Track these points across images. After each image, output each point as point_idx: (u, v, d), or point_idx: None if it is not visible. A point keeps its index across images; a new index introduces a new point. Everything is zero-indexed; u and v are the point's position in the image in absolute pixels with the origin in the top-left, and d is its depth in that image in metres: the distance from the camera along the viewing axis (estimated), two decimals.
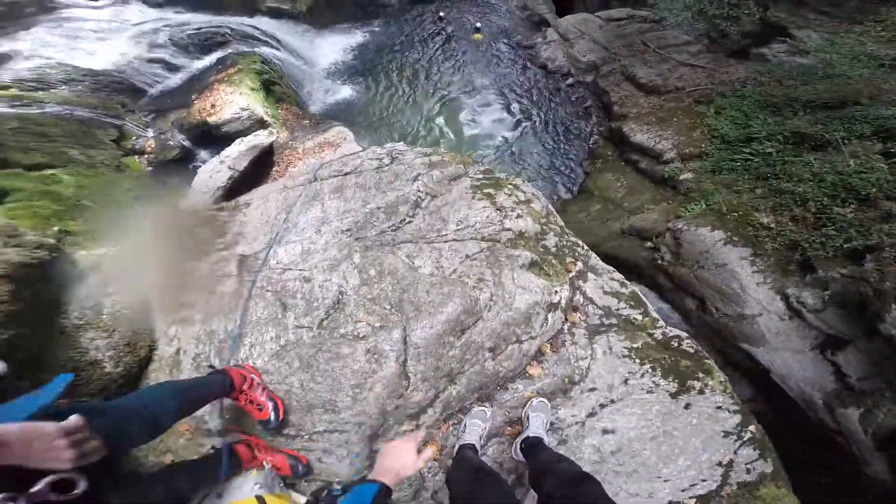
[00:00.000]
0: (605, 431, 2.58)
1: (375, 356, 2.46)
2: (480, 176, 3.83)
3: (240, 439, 2.31)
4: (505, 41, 12.51)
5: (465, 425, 2.48)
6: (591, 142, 9.98)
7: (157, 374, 2.79)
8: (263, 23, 11.47)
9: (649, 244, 6.84)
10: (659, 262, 6.54)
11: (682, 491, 2.44)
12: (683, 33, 11.05)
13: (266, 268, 3.01)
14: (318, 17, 12.96)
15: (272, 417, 2.27)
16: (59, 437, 1.12)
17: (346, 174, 4.10)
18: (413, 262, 2.83)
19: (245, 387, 2.25)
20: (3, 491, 1.06)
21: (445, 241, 3.07)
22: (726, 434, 2.57)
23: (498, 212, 3.34)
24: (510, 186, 3.71)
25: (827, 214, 5.88)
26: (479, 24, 12.92)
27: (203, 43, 10.17)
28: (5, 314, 2.28)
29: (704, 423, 2.57)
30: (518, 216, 3.34)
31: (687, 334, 3.08)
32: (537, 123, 10.42)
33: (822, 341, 5.20)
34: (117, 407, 1.51)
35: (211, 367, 2.37)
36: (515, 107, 10.72)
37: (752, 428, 2.61)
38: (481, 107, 10.65)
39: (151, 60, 9.53)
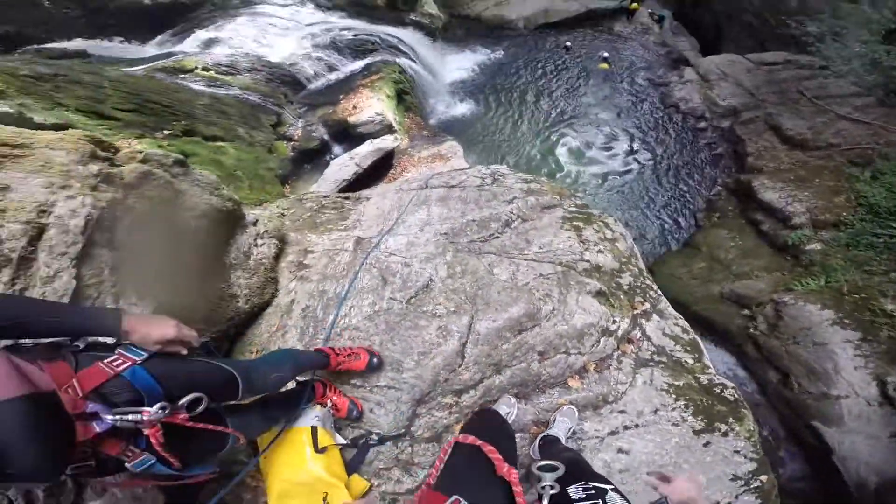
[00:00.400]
0: (619, 451, 2.91)
1: (444, 333, 3.04)
2: (574, 209, 4.35)
3: (319, 378, 2.84)
4: (635, 76, 12.72)
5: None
6: (712, 192, 9.78)
7: (271, 318, 3.45)
8: (407, 35, 13.26)
9: (746, 312, 6.71)
10: (751, 330, 6.44)
11: None
12: (851, 83, 10.33)
13: (377, 250, 3.93)
14: (452, 35, 14.72)
15: (370, 361, 2.95)
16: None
17: (451, 186, 5.01)
18: (493, 270, 3.37)
19: (341, 366, 2.84)
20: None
21: (525, 259, 3.57)
22: (735, 478, 2.79)
23: (581, 244, 3.81)
24: (600, 223, 4.17)
25: None
26: (605, 54, 13.34)
27: (357, 48, 12.02)
28: (197, 242, 3.07)
29: (717, 464, 2.82)
30: (599, 251, 3.80)
31: (733, 384, 3.28)
32: (655, 164, 10.45)
33: None
34: (256, 369, 2.03)
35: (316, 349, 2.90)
36: (634, 145, 10.84)
37: (763, 478, 2.80)
38: (595, 141, 10.96)
39: (315, 59, 11.48)
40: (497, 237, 3.96)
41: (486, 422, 2.15)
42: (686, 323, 3.70)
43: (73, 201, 2.28)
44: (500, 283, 3.40)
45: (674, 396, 3.10)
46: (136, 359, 1.46)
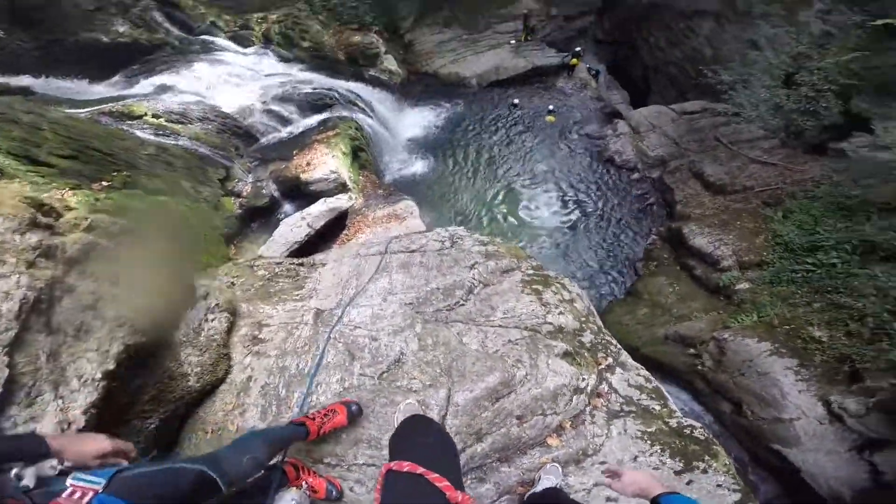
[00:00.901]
0: (608, 499, 2.98)
1: (423, 408, 3.02)
2: (531, 272, 4.55)
3: (288, 461, 2.63)
4: (576, 131, 13.63)
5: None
6: (648, 241, 10.43)
7: (225, 395, 3.29)
8: (365, 90, 13.58)
9: (692, 351, 7.15)
10: (699, 367, 6.86)
11: None
12: (759, 128, 11.34)
13: (340, 324, 3.94)
14: (409, 91, 15.22)
15: (350, 411, 2.86)
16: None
17: (412, 251, 5.12)
18: (462, 339, 3.44)
19: (322, 428, 2.70)
20: None
21: (492, 326, 3.67)
22: None
23: (543, 307, 3.99)
24: (558, 285, 4.39)
25: (885, 330, 6.04)
26: (551, 107, 14.31)
27: (314, 103, 12.04)
28: (145, 325, 2.86)
29: (703, 499, 2.97)
30: (560, 313, 3.99)
31: (700, 424, 3.45)
32: (596, 219, 11.07)
33: (860, 443, 5.41)
34: (225, 457, 1.88)
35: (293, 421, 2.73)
36: (576, 200, 11.49)
37: None
38: (542, 197, 11.55)
39: (270, 112, 11.37)
40: (462, 304, 4.08)
41: (418, 435, 1.74)
42: (647, 372, 3.93)
43: (7, 281, 2.12)
44: (472, 352, 3.47)
45: (649, 442, 3.27)
46: (97, 487, 1.34)
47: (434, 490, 1.33)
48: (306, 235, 8.40)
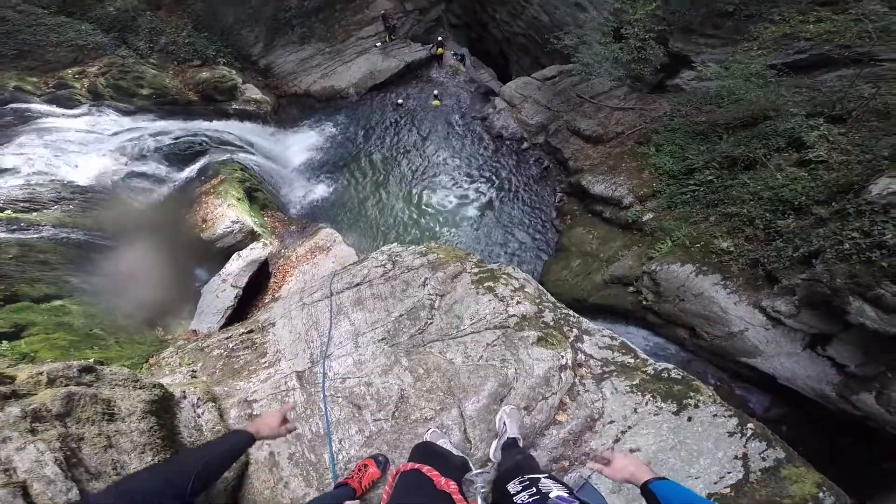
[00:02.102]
0: (632, 450, 3.19)
1: (444, 429, 3.17)
2: (476, 270, 4.64)
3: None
4: (461, 116, 13.83)
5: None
6: (556, 199, 10.98)
7: (259, 474, 3.33)
8: (235, 126, 12.42)
9: (632, 289, 7.64)
10: (644, 303, 7.32)
11: (715, 483, 2.96)
12: (608, 80, 12.38)
13: (328, 380, 3.75)
14: (285, 117, 14.21)
15: (379, 463, 3.00)
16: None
17: (358, 285, 4.89)
18: (446, 356, 3.60)
19: (362, 483, 2.86)
20: None
21: (466, 335, 3.84)
22: (730, 434, 3.19)
23: (501, 302, 4.12)
24: (504, 276, 4.51)
25: (773, 228, 6.89)
26: (436, 92, 14.38)
27: (183, 153, 10.78)
28: (161, 439, 2.97)
29: (708, 429, 3.22)
30: (517, 302, 4.14)
31: (673, 365, 3.80)
32: (505, 192, 11.38)
33: (809, 341, 5.96)
34: None
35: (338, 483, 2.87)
36: (481, 180, 11.69)
37: (750, 425, 3.22)
38: (451, 186, 11.57)
39: (137, 174, 9.96)
40: (431, 323, 3.99)
41: (421, 450, 2.34)
42: (610, 331, 4.20)
43: (27, 452, 2.15)
44: (463, 368, 3.50)
45: (640, 394, 3.53)
46: None
47: (426, 479, 1.67)
48: (235, 297, 7.56)
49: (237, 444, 1.91)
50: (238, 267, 8.13)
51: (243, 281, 7.97)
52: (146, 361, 6.03)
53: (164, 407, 3.37)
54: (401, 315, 4.23)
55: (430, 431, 3.16)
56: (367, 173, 12.09)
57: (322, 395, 3.61)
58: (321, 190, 11.78)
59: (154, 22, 13.27)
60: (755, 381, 6.46)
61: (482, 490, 1.62)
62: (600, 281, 8.12)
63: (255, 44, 15.13)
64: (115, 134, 10.71)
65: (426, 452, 2.28)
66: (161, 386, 3.49)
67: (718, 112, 9.52)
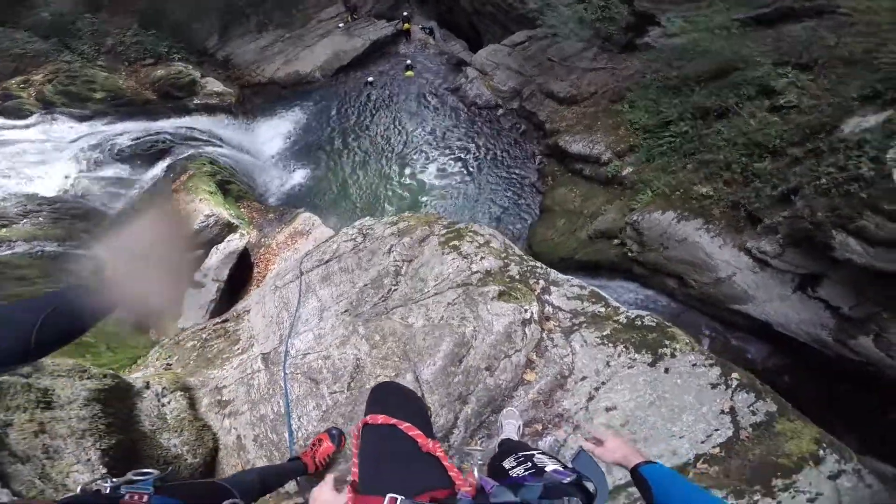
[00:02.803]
0: (607, 409, 2.98)
1: (357, 426, 3.02)
2: (444, 231, 4.40)
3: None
4: (434, 89, 13.49)
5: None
6: (536, 162, 10.84)
7: (229, 458, 3.32)
8: (199, 121, 11.92)
9: (616, 241, 7.58)
10: (629, 254, 7.27)
11: (702, 443, 2.70)
12: (577, 42, 12.11)
13: (289, 358, 3.61)
14: (251, 107, 13.67)
15: (332, 436, 2.93)
16: None
17: (327, 262, 4.72)
18: (407, 321, 3.44)
19: (316, 458, 2.81)
20: None
21: (429, 297, 3.63)
22: (713, 385, 2.94)
23: (465, 259, 3.91)
24: (470, 234, 4.30)
25: (750, 171, 6.85)
26: (409, 62, 14.03)
27: (146, 153, 10.35)
28: (106, 426, 2.90)
29: (688, 381, 2.98)
30: (481, 258, 3.92)
31: (646, 312, 3.59)
32: (484, 159, 11.19)
33: (799, 282, 5.87)
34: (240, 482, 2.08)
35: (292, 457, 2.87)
36: (460, 149, 11.48)
37: (735, 375, 2.97)
38: (428, 158, 11.34)
39: (101, 179, 9.59)
40: (395, 289, 3.83)
41: (389, 394, 1.86)
42: (578, 280, 3.97)
43: None
44: (420, 330, 3.35)
45: (611, 345, 3.34)
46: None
47: (407, 437, 1.39)
48: (217, 291, 7.39)
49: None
50: (217, 260, 7.94)
51: (224, 274, 7.79)
52: (134, 363, 5.97)
53: (117, 396, 3.29)
54: (365, 285, 4.07)
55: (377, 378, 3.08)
56: (344, 154, 11.78)
57: (283, 374, 3.49)
58: (298, 176, 11.45)
59: (96, 24, 12.64)
60: (751, 330, 6.34)
61: (479, 463, 1.44)
62: (585, 237, 8.07)
63: (209, 37, 14.49)
64: (74, 140, 10.24)
65: (390, 395, 1.85)
66: (115, 376, 3.41)
67: (688, 66, 9.42)
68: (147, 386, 3.64)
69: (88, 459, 2.63)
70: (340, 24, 15.32)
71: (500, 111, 12.29)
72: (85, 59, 12.06)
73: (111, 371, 3.40)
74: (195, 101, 12.61)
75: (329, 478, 1.41)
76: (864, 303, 5.40)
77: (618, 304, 3.78)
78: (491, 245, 4.21)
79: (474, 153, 11.43)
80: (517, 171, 10.92)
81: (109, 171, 9.88)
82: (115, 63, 12.49)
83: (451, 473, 1.30)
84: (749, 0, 9.17)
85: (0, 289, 6.88)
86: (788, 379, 6.04)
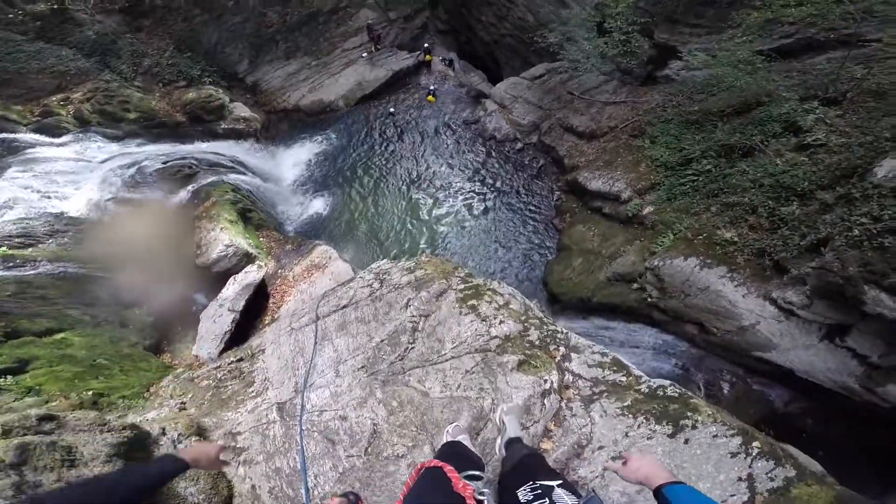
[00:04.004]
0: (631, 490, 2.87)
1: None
2: (462, 286, 4.38)
3: None
4: (452, 120, 13.62)
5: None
6: (554, 198, 10.74)
7: None
8: (225, 147, 12.21)
9: (635, 286, 7.38)
10: (649, 300, 7.06)
11: None
12: (597, 75, 12.22)
13: (305, 412, 3.57)
14: (275, 133, 13.98)
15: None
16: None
17: (344, 307, 4.73)
18: (424, 386, 3.38)
19: None
20: None
21: (446, 361, 3.63)
22: (733, 455, 2.94)
23: (483, 322, 3.88)
24: (489, 292, 4.26)
25: (777, 216, 6.63)
26: (432, 87, 14.26)
27: (173, 177, 10.57)
28: (120, 488, 2.94)
29: (708, 451, 2.96)
30: (500, 322, 3.89)
31: (669, 381, 3.51)
32: (501, 195, 11.14)
33: (826, 332, 5.64)
34: None
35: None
36: (478, 183, 11.48)
37: (756, 443, 2.96)
38: (446, 191, 11.36)
39: (129, 201, 9.79)
40: (412, 348, 3.80)
41: (450, 448, 2.37)
42: (601, 346, 3.90)
43: None
44: (437, 401, 3.31)
45: (631, 416, 3.25)
46: None
47: (446, 479, 1.63)
48: (233, 322, 7.44)
49: (170, 469, 1.83)
50: (234, 291, 8.01)
51: (240, 305, 7.85)
52: (147, 390, 6.01)
53: (137, 447, 3.35)
54: (382, 340, 4.05)
55: (453, 425, 3.05)
56: (362, 185, 11.89)
57: (299, 429, 3.46)
58: (317, 205, 11.58)
59: (135, 45, 13.13)
60: (773, 375, 6.15)
61: (482, 498, 1.57)
62: (603, 279, 7.89)
63: (240, 61, 14.98)
64: (104, 161, 10.51)
65: (450, 451, 2.30)
66: (134, 427, 3.47)
67: (711, 100, 9.28)
68: (164, 432, 3.70)
69: None
70: (364, 54, 15.73)
71: (519, 145, 12.31)
72: (123, 78, 12.55)
73: (129, 422, 3.40)
74: (223, 126, 12.98)
75: (335, 501, 1.67)
76: (895, 352, 5.19)
77: (640, 373, 3.66)
78: (510, 307, 4.15)
79: (492, 187, 11.42)
80: (535, 207, 10.84)
81: (136, 194, 10.09)
82: (150, 84, 12.96)
83: None
84: (769, 30, 9.02)
85: (22, 308, 6.97)
86: (812, 423, 5.90)
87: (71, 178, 9.90)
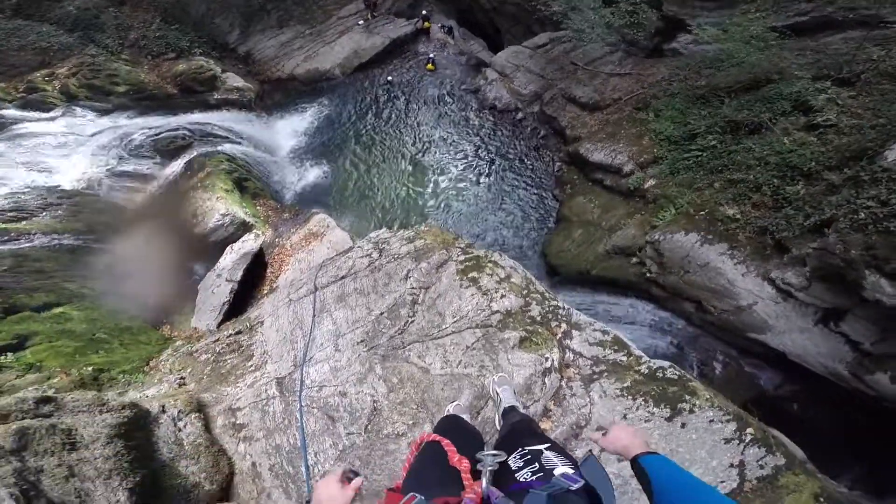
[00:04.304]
0: (619, 460, 2.71)
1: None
2: (463, 257, 4.26)
3: None
4: (452, 89, 13.28)
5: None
6: (555, 169, 10.57)
7: (244, 485, 3.37)
8: (219, 117, 11.92)
9: (635, 259, 7.32)
10: (647, 275, 7.01)
11: None
12: (602, 45, 11.83)
13: (305, 388, 3.53)
14: (270, 103, 13.62)
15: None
16: None
17: (343, 278, 4.64)
18: (425, 361, 3.33)
19: None
20: None
21: (447, 335, 3.57)
22: (727, 441, 2.95)
23: (484, 296, 3.81)
24: (490, 265, 4.15)
25: (782, 195, 6.51)
26: (432, 55, 13.89)
27: (166, 149, 10.39)
28: (130, 462, 2.95)
29: (703, 436, 2.96)
30: (502, 296, 3.81)
31: (669, 363, 3.44)
32: (501, 165, 10.95)
33: (822, 316, 5.64)
34: None
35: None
36: (477, 152, 11.27)
37: (749, 430, 2.98)
38: (446, 161, 11.14)
39: (121, 174, 9.65)
40: (412, 321, 3.73)
41: (448, 422, 2.41)
42: (602, 324, 3.82)
43: None
44: (438, 378, 3.27)
45: (630, 397, 3.22)
46: None
47: (443, 452, 1.63)
48: (231, 292, 7.35)
49: None
50: (231, 261, 7.92)
51: (238, 275, 7.76)
52: (147, 364, 5.98)
53: (136, 426, 3.31)
54: (381, 313, 3.99)
55: (454, 404, 3.06)
56: (360, 153, 11.66)
57: (298, 406, 3.43)
58: (314, 174, 11.36)
59: (119, 18, 12.69)
60: (765, 357, 6.19)
61: (490, 468, 1.50)
62: (603, 251, 7.82)
63: (230, 31, 14.40)
64: (94, 134, 10.29)
65: (449, 425, 2.33)
66: (133, 405, 3.45)
67: (719, 76, 9.01)
68: (163, 410, 3.68)
69: (118, 501, 2.71)
70: (360, 22, 15.12)
71: (520, 115, 12.03)
72: (109, 52, 12.13)
73: (128, 401, 3.36)
74: (216, 96, 12.61)
75: (337, 471, 1.51)
76: (887, 340, 5.20)
77: (640, 353, 3.63)
78: (512, 280, 4.06)
79: (491, 157, 11.23)
80: (535, 178, 10.69)
81: (129, 167, 9.93)
82: (137, 57, 12.54)
83: (465, 483, 1.45)
84: (784, 6, 8.75)
85: (18, 282, 6.90)
86: (798, 407, 5.99)
87: (61, 151, 9.74)
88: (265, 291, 7.96)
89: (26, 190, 8.53)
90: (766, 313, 5.85)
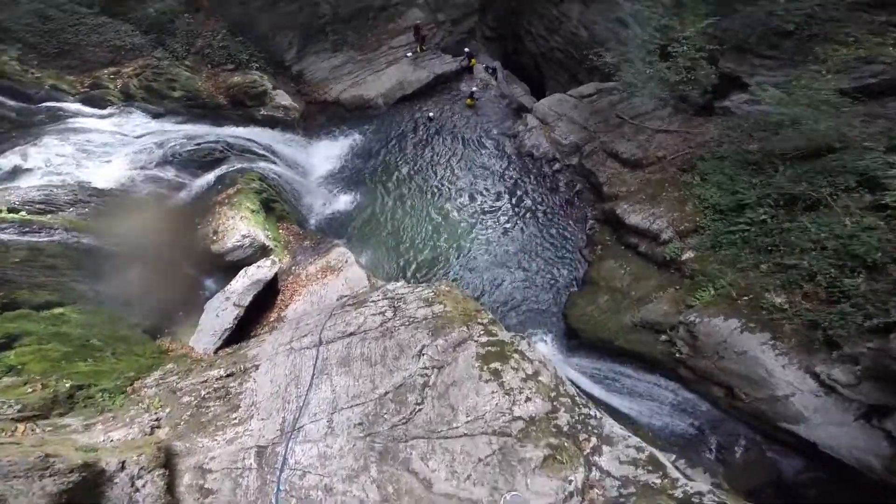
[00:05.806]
0: None
1: None
2: (485, 339, 3.88)
3: None
4: (489, 131, 13.14)
5: None
6: (587, 227, 10.14)
7: None
8: (260, 134, 12.00)
9: (664, 337, 6.77)
10: (677, 355, 6.46)
11: None
12: (651, 100, 11.23)
13: (287, 467, 3.07)
14: (312, 124, 13.83)
15: None
16: None
17: (350, 335, 4.27)
18: (428, 465, 2.85)
19: None
20: None
21: (457, 437, 3.19)
22: None
23: (506, 395, 3.44)
24: (516, 357, 3.78)
25: (838, 288, 5.81)
26: (474, 89, 13.89)
27: (202, 159, 10.51)
28: None
29: None
30: (527, 399, 3.46)
31: (707, 487, 2.98)
32: (532, 216, 10.63)
33: (865, 412, 5.12)
34: None
35: None
36: (508, 200, 11.00)
37: None
38: (474, 204, 10.92)
39: (155, 179, 9.71)
40: (419, 410, 3.31)
41: None
42: (637, 439, 3.31)
43: None
44: (441, 498, 2.84)
45: None
46: None
47: None
48: (235, 318, 7.11)
49: None
50: (243, 285, 7.70)
51: (247, 300, 7.53)
52: (131, 384, 5.63)
53: (84, 490, 3.01)
54: (386, 393, 3.56)
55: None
56: (390, 187, 11.56)
57: (276, 489, 2.95)
58: (342, 202, 11.33)
59: (192, 24, 13.18)
60: (791, 446, 5.74)
61: None
62: (629, 322, 7.26)
63: (288, 49, 14.89)
64: (140, 136, 10.54)
65: None
66: (85, 466, 3.06)
67: (774, 140, 8.34)
68: (122, 467, 3.35)
69: None
70: (409, 54, 15.47)
71: (557, 165, 11.69)
72: (174, 57, 12.63)
73: (80, 461, 2.94)
74: (262, 112, 12.86)
75: None
76: None
77: (678, 476, 3.08)
78: (540, 379, 3.58)
79: (522, 207, 10.91)
80: (565, 233, 10.27)
81: (164, 172, 10.02)
82: (199, 65, 12.98)
83: None
84: (855, 67, 7.96)
85: (27, 277, 6.77)
86: (815, 494, 5.58)
87: (104, 149, 9.90)
88: (272, 319, 7.68)
89: (59, 183, 8.63)
90: (803, 405, 5.38)
